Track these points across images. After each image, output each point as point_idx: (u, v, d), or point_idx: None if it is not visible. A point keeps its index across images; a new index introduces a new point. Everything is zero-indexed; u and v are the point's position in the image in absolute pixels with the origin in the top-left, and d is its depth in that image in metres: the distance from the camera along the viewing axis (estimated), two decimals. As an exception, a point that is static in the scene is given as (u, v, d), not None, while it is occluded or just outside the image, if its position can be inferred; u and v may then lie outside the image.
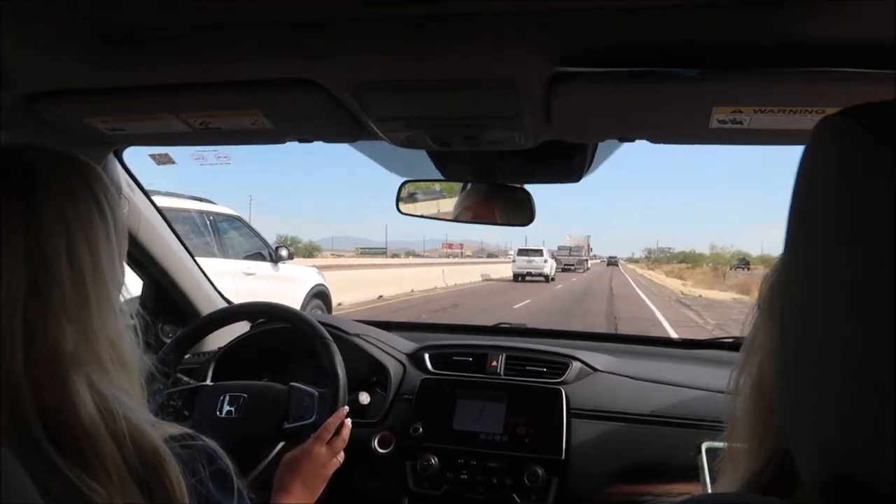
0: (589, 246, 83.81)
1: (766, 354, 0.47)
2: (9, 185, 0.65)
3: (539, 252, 34.51)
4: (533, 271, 33.18)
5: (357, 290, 14.25)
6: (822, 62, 0.79)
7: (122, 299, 0.75)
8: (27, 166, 0.67)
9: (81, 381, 0.63)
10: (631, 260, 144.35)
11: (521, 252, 35.50)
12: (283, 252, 7.79)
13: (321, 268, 9.95)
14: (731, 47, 0.81)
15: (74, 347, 0.64)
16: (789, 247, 0.39)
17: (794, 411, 0.36)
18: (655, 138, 1.10)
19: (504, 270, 37.44)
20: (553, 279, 33.99)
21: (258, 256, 7.66)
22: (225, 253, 7.14)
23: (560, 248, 68.29)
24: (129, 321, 0.74)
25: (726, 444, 0.52)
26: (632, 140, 1.11)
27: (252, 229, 8.05)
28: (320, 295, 8.54)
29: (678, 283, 37.31)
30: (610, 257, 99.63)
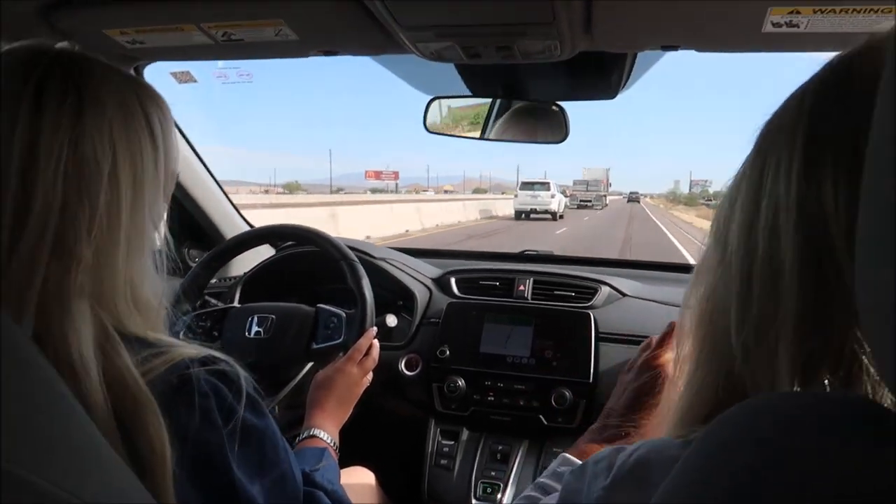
0: (608, 181, 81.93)
1: None
2: (55, 89, 0.60)
3: (545, 185, 30.40)
4: (538, 208, 29.74)
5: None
6: None
7: (157, 238, 0.70)
8: (78, 72, 0.62)
9: (85, 314, 0.59)
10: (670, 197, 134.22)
11: (525, 186, 31.04)
12: None
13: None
14: None
15: (88, 278, 0.60)
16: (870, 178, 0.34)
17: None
18: (702, 46, 1.03)
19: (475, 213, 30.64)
20: (561, 216, 30.48)
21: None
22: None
23: (576, 183, 66.54)
24: (158, 260, 0.70)
25: None
26: (676, 49, 1.05)
27: None
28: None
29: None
30: (631, 193, 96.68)
